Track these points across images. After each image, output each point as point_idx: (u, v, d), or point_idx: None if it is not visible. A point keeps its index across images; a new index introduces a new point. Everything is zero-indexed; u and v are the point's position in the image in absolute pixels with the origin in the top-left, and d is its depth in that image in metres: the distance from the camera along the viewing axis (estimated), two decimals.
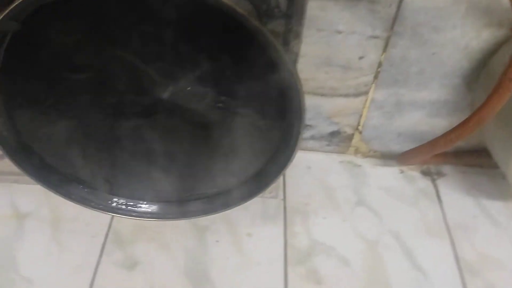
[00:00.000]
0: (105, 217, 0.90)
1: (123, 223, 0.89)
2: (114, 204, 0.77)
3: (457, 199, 1.00)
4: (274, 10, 0.62)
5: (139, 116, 0.68)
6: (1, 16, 0.52)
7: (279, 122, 0.65)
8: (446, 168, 1.07)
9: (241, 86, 0.63)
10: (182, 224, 0.90)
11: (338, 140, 1.05)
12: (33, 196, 0.92)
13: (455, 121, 0.97)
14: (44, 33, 0.60)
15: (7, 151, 0.66)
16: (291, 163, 0.67)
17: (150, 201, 0.78)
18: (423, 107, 0.97)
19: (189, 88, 0.63)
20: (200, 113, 0.68)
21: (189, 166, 0.73)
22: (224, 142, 0.71)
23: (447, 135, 0.85)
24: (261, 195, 0.79)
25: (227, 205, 0.73)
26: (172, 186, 0.76)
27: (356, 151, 1.07)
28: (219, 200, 0.75)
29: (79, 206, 0.89)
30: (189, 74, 0.62)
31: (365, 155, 1.08)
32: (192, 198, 0.77)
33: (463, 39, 0.85)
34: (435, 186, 1.02)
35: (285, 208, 0.95)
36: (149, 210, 0.78)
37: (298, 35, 0.58)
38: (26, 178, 0.83)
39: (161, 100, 0.66)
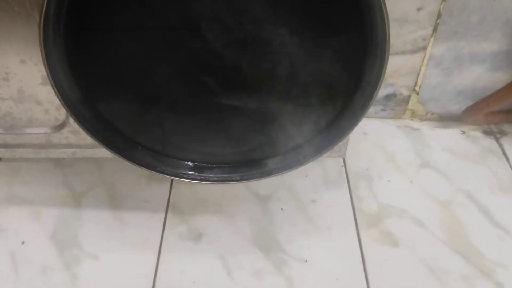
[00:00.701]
0: (163, 192, 0.87)
1: (182, 197, 0.86)
2: (180, 169, 0.73)
3: None
4: None
5: (208, 69, 0.64)
6: None
7: (357, 64, 0.61)
8: (508, 127, 1.02)
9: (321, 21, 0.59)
10: (243, 194, 0.87)
11: (393, 103, 1.01)
12: (86, 175, 0.89)
13: None
14: None
15: (72, 111, 0.62)
16: (373, 102, 0.62)
17: (217, 164, 0.74)
18: (484, 60, 0.93)
19: (263, 29, 0.59)
20: (270, 60, 0.63)
21: (258, 123, 0.69)
22: (295, 93, 0.66)
23: None
24: (328, 153, 0.75)
25: (310, 156, 0.69)
26: (240, 147, 0.72)
27: (413, 115, 1.03)
28: (295, 156, 0.71)
29: (134, 183, 0.86)
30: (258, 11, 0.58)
31: (422, 118, 1.03)
32: (263, 157, 0.72)
33: None
34: (500, 145, 0.98)
35: (346, 173, 0.91)
36: (217, 174, 0.74)
37: None
38: (82, 151, 0.80)
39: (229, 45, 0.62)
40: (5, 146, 0.77)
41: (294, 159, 0.71)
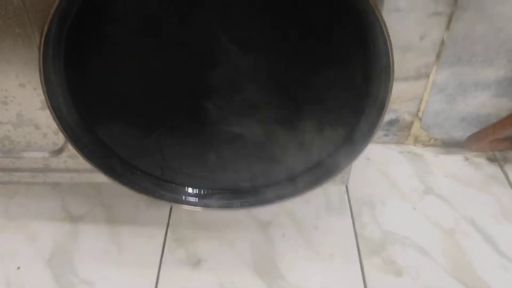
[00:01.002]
0: (162, 217, 0.86)
1: (182, 222, 0.85)
2: (180, 195, 0.72)
3: None
4: None
5: (208, 95, 0.63)
6: None
7: (361, 92, 0.60)
8: None
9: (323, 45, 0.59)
10: (244, 220, 0.86)
11: (396, 129, 1.00)
12: (84, 199, 0.88)
13: None
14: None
15: (69, 135, 0.62)
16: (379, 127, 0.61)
17: (217, 190, 0.73)
18: (488, 87, 0.92)
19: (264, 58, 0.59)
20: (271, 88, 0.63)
21: (259, 150, 0.68)
22: (298, 121, 0.66)
23: None
24: (332, 181, 0.74)
25: (315, 183, 0.68)
26: (242, 174, 0.71)
27: (416, 140, 1.02)
28: (296, 185, 0.70)
29: (132, 208, 0.85)
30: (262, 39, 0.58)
31: (425, 144, 1.02)
32: (264, 184, 0.71)
33: None
34: (504, 172, 0.96)
35: (349, 199, 0.90)
36: (217, 200, 0.73)
37: None
38: (80, 175, 0.79)
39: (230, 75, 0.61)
40: (3, 169, 0.76)
41: (295, 187, 0.70)
